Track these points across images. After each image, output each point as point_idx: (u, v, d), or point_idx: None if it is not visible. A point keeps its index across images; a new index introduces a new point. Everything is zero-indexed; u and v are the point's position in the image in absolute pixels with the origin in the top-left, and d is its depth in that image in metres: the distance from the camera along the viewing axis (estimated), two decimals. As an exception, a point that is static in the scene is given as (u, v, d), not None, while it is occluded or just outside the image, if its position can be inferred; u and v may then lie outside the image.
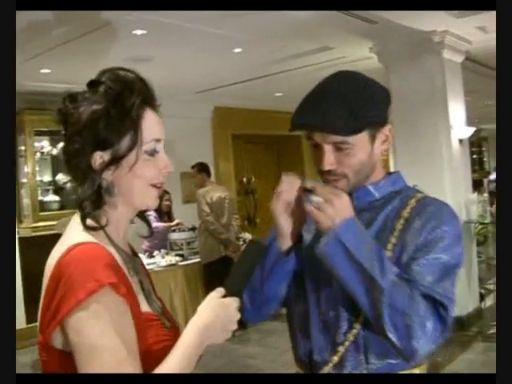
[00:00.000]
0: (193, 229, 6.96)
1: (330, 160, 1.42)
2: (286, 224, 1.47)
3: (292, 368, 1.60)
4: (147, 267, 5.10)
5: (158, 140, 1.25)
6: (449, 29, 5.69)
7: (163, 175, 1.27)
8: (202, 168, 6.71)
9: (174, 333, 1.27)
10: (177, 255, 6.80)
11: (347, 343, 1.42)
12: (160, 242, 7.11)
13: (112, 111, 1.19)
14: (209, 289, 1.32)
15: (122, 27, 4.94)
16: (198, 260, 6.76)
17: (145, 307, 1.22)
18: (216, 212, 6.44)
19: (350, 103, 1.37)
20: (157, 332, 1.21)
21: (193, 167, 6.87)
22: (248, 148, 10.90)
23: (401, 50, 5.91)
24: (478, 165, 17.41)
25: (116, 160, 1.20)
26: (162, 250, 6.83)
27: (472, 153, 14.26)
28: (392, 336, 1.28)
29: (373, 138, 1.44)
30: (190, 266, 6.69)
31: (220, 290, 1.26)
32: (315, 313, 1.49)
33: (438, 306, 1.30)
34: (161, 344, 1.19)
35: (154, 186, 1.26)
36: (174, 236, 6.98)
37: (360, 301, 1.31)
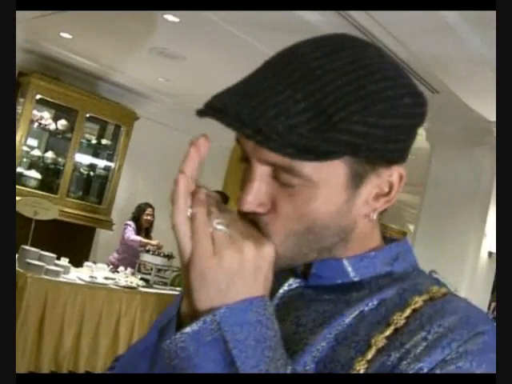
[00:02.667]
0: (168, 256, 6.21)
1: (257, 193, 0.70)
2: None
3: None
4: (104, 282, 4.33)
5: None
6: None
7: None
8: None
9: None
10: (142, 279, 6.06)
11: None
12: (130, 257, 6.45)
13: None
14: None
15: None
16: (163, 292, 5.99)
17: None
18: None
19: (326, 97, 0.65)
20: None
21: None
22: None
23: (454, 134, 5.22)
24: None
25: None
26: (129, 269, 6.10)
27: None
28: None
29: (357, 181, 0.71)
30: (151, 295, 5.92)
31: None
32: None
33: None
34: None
35: None
36: (146, 258, 6.24)
37: None
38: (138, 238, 6.49)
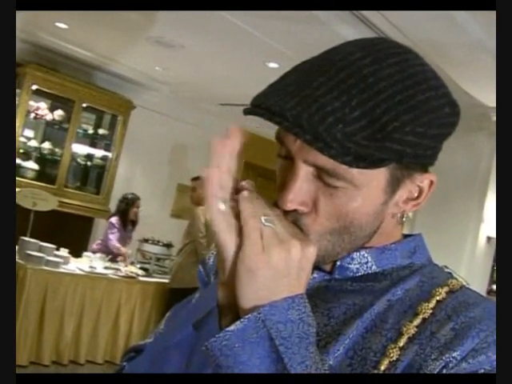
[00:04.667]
0: (167, 245, 6.22)
1: (299, 191, 0.71)
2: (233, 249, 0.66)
3: None
4: (104, 271, 4.30)
5: None
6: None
7: None
8: None
9: None
10: (141, 268, 6.07)
11: None
12: (106, 250, 6.23)
13: None
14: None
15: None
16: (162, 281, 6.00)
17: None
18: (210, 236, 5.60)
19: (379, 105, 0.66)
20: None
21: (194, 179, 5.95)
22: (259, 182, 10.13)
23: (452, 120, 5.20)
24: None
25: None
26: (128, 259, 6.11)
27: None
28: None
29: (395, 185, 0.73)
30: (151, 284, 5.94)
31: None
32: None
33: None
34: None
35: None
36: (145, 247, 6.25)
37: None
38: (117, 245, 6.24)
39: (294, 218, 0.71)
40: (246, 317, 0.62)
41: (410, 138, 0.67)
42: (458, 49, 3.96)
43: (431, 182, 0.76)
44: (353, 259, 0.78)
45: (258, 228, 0.64)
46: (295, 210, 0.71)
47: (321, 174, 0.70)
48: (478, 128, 5.17)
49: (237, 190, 0.67)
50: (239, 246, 0.64)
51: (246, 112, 0.70)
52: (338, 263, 0.77)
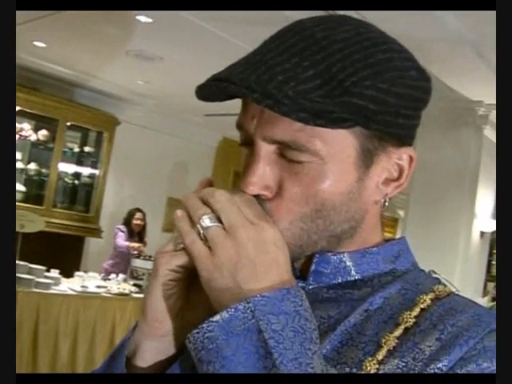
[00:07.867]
0: (159, 260, 6.17)
1: (262, 174, 0.66)
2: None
3: None
4: (96, 290, 4.31)
5: None
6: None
7: None
8: None
9: None
10: (134, 285, 6.00)
11: None
12: (122, 263, 6.40)
13: None
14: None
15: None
16: (156, 296, 5.93)
17: None
18: None
19: (334, 64, 0.62)
20: None
21: None
22: (249, 191, 10.16)
23: (437, 115, 5.17)
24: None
25: None
26: (121, 276, 6.04)
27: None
28: None
29: (367, 158, 0.67)
30: (145, 300, 5.85)
31: None
32: None
33: None
34: None
35: None
36: (137, 263, 6.19)
37: None
38: (124, 243, 6.48)
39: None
40: (233, 306, 0.56)
41: (372, 92, 0.62)
42: (438, 43, 3.93)
43: (411, 159, 0.69)
44: (329, 263, 0.70)
45: (195, 238, 0.60)
46: (258, 196, 0.65)
47: (283, 150, 0.64)
48: (464, 123, 5.15)
49: None
50: None
51: (198, 91, 0.67)
52: (313, 267, 0.70)
